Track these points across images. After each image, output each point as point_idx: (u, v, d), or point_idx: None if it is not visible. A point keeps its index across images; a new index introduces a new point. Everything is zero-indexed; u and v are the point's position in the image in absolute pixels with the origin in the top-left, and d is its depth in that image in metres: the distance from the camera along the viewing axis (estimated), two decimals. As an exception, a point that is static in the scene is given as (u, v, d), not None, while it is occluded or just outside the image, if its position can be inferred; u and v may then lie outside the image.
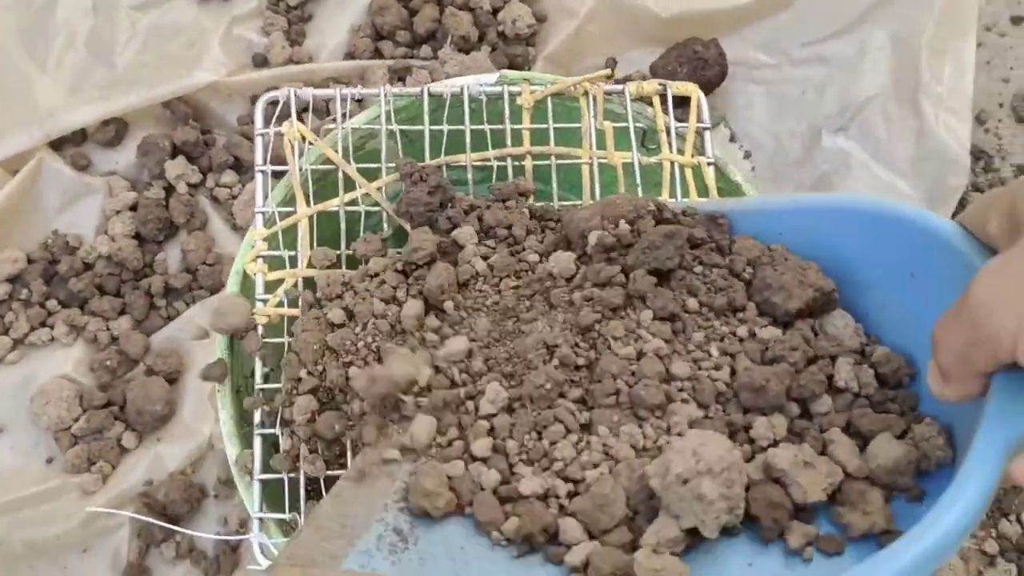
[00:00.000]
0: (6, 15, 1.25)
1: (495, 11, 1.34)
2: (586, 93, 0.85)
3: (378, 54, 1.30)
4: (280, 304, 0.73)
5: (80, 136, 1.24)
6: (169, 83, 1.23)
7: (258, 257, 0.76)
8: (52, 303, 1.16)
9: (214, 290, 1.17)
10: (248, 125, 1.25)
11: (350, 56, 1.30)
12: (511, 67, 1.28)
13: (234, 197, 1.22)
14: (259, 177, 0.79)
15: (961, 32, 1.26)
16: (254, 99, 1.25)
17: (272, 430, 0.70)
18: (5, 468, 1.10)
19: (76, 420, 1.10)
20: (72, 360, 1.13)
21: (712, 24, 1.33)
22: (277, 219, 0.77)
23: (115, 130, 1.23)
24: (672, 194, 0.82)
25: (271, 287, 0.75)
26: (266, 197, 0.79)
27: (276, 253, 0.76)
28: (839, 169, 1.26)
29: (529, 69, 1.29)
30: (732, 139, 1.32)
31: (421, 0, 1.31)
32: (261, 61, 1.28)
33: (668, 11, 1.30)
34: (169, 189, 1.21)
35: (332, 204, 0.78)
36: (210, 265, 1.18)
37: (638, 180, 0.81)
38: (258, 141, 0.80)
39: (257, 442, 0.71)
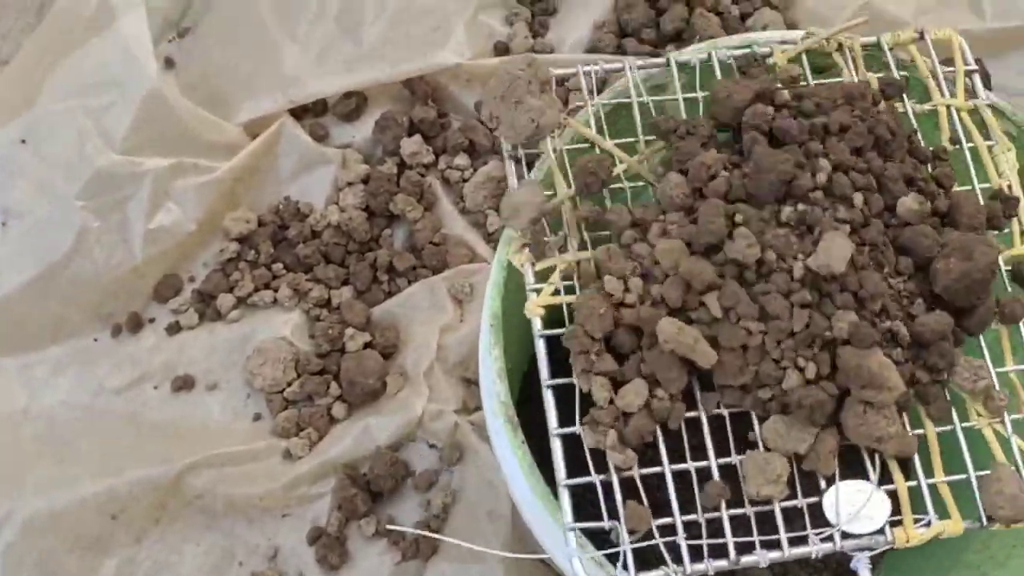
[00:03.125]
0: (264, -17, 1.27)
1: (743, 17, 1.29)
2: (840, 47, 0.79)
3: (620, 51, 1.26)
4: (556, 293, 0.68)
5: (321, 107, 1.24)
6: (412, 61, 1.22)
7: (524, 246, 0.70)
8: (278, 266, 1.16)
9: (437, 270, 1.15)
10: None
11: (593, 51, 1.27)
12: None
13: (465, 180, 1.19)
14: (510, 163, 0.74)
15: None
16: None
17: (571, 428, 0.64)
18: (214, 423, 1.09)
19: (290, 384, 1.09)
20: (292, 324, 1.12)
21: (975, 47, 1.24)
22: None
23: (355, 103, 1.23)
24: (956, 140, 0.75)
25: (542, 276, 0.69)
26: (520, 179, 0.74)
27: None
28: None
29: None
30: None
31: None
32: (503, 49, 1.27)
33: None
34: (402, 166, 1.20)
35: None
36: (436, 245, 1.16)
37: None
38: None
39: (556, 444, 0.64)
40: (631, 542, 0.59)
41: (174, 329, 1.14)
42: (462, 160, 1.19)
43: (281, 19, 1.26)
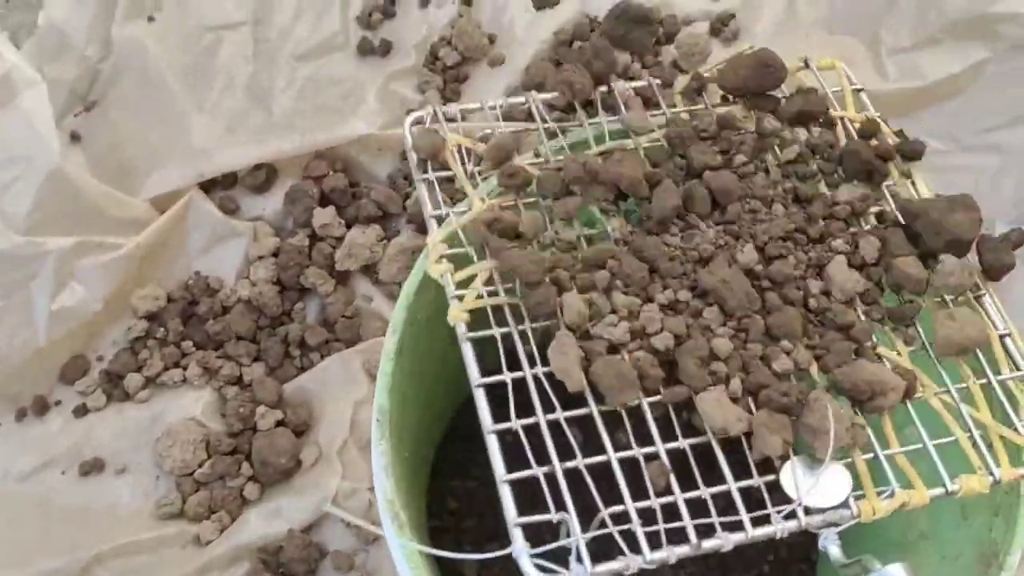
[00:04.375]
0: (171, 54, 1.26)
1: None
2: None
3: (530, 117, 1.27)
4: (479, 297, 0.68)
5: (230, 179, 1.23)
6: (323, 132, 1.22)
7: (442, 257, 0.70)
8: (187, 344, 1.14)
9: (351, 343, 1.14)
10: (399, 180, 1.23)
11: (506, 118, 1.27)
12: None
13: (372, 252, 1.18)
14: (422, 186, 0.76)
15: None
16: (404, 155, 1.23)
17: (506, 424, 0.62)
18: (123, 508, 1.07)
19: (200, 465, 1.07)
20: (202, 403, 1.10)
21: (881, 107, 1.27)
22: (453, 220, 0.73)
23: (265, 175, 1.22)
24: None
25: (463, 285, 0.69)
26: (436, 205, 0.75)
27: (459, 250, 0.71)
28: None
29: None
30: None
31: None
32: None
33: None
34: (313, 238, 1.19)
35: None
36: (349, 318, 1.15)
37: None
38: (412, 156, 0.78)
39: (492, 440, 0.62)
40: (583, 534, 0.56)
41: (81, 411, 1.12)
42: (374, 232, 1.18)
43: (189, 89, 1.25)
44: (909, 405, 0.65)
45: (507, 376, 0.64)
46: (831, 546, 0.61)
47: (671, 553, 0.56)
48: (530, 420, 0.62)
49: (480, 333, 0.66)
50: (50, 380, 1.13)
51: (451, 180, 0.78)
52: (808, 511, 0.59)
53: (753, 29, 1.29)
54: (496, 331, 0.66)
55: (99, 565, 1.00)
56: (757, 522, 0.58)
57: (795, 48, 1.24)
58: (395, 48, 1.30)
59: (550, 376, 0.63)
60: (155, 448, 1.08)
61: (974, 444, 0.64)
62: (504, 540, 0.92)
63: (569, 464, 0.60)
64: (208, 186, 1.22)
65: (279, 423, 1.08)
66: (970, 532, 0.75)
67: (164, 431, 1.08)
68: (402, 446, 0.71)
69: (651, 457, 0.61)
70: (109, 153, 1.23)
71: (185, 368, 1.13)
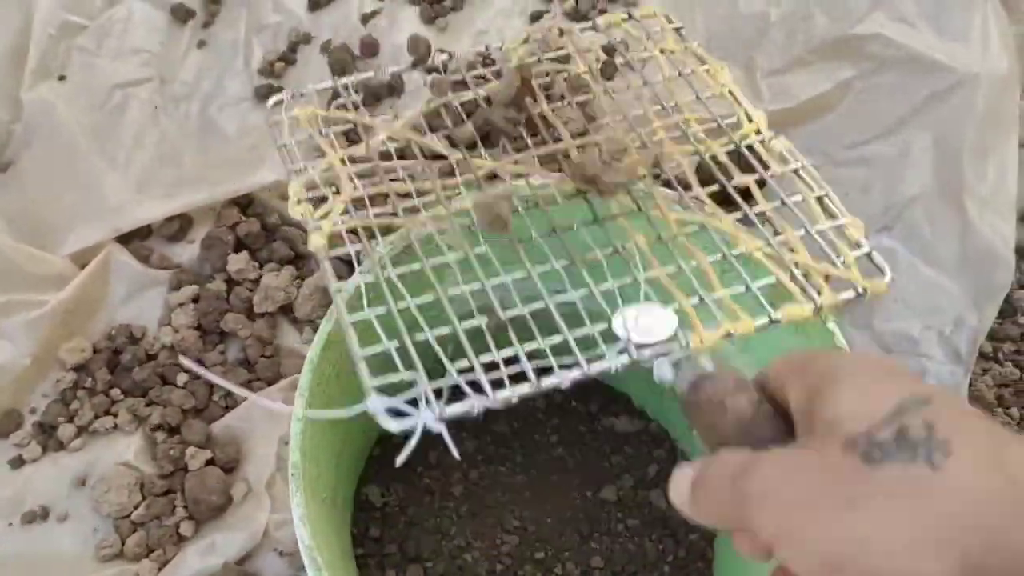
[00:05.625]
0: (81, 115, 1.31)
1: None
2: (561, 33, 0.94)
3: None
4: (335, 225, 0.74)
5: (146, 230, 1.28)
6: (232, 182, 1.28)
7: (300, 201, 0.76)
8: (116, 392, 1.19)
9: (271, 381, 1.20)
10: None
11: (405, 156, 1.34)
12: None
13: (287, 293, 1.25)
14: (281, 151, 0.84)
15: (1004, 134, 1.29)
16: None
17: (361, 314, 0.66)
18: (65, 554, 1.12)
19: (136, 507, 1.12)
20: (134, 448, 1.16)
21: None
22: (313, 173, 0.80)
23: (179, 224, 1.28)
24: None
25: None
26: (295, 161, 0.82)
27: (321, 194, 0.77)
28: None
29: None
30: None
31: (474, 104, 1.35)
32: (320, 159, 1.33)
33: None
34: (230, 282, 1.25)
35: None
36: (268, 357, 1.21)
37: None
38: (273, 131, 0.86)
39: (351, 331, 0.65)
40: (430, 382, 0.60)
41: (17, 463, 1.17)
42: (287, 273, 1.25)
43: (100, 147, 1.30)
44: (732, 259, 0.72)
45: (360, 279, 0.71)
46: (665, 370, 0.63)
47: (513, 392, 0.60)
48: (381, 309, 0.67)
49: (338, 251, 0.72)
50: (-16, 436, 1.18)
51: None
52: (639, 347, 0.63)
53: (633, 58, 1.38)
54: (350, 248, 0.72)
55: (46, 612, 1.06)
56: (592, 360, 0.62)
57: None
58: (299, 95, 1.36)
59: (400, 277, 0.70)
60: (91, 495, 1.13)
61: (794, 279, 0.69)
62: (425, 562, 1.00)
63: (419, 336, 0.64)
64: (125, 238, 1.27)
65: (208, 462, 1.14)
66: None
67: (98, 478, 1.13)
68: (320, 489, 0.78)
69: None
70: (24, 214, 1.28)
71: (115, 415, 1.18)
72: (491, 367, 0.62)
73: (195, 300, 1.24)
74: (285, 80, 1.38)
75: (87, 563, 1.11)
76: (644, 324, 0.64)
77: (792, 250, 0.72)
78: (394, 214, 0.75)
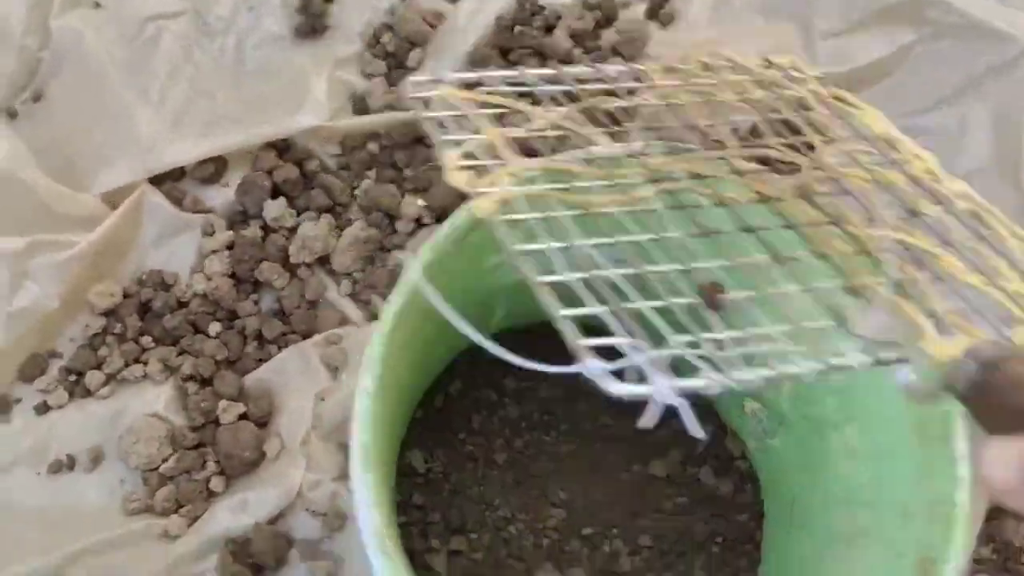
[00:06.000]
0: (112, 47, 1.25)
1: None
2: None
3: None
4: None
5: (179, 172, 1.23)
6: (270, 124, 1.23)
7: (459, 168, 0.68)
8: (146, 339, 1.16)
9: (307, 335, 1.16)
10: (342, 170, 1.25)
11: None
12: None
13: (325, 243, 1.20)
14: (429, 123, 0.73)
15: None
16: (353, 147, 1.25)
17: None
18: (90, 506, 1.09)
19: (165, 460, 1.09)
20: (164, 398, 1.12)
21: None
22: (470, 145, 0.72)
23: (214, 167, 1.23)
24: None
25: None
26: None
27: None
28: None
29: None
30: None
31: (520, 51, 1.30)
32: (360, 106, 1.28)
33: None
34: (266, 229, 1.21)
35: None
36: (304, 309, 1.17)
37: None
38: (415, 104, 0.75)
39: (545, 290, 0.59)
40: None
41: (42, 409, 1.13)
42: (326, 221, 1.20)
43: (132, 81, 1.24)
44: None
45: (545, 245, 0.62)
46: (904, 376, 0.59)
47: (756, 375, 0.55)
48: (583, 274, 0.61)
49: (511, 216, 0.65)
50: (9, 380, 1.14)
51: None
52: (880, 347, 0.59)
53: (687, 13, 1.32)
54: (528, 215, 0.65)
55: (72, 565, 1.02)
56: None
57: (729, 33, 1.28)
58: (339, 35, 1.31)
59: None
60: (119, 445, 1.10)
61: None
62: (469, 533, 0.97)
63: (630, 305, 0.58)
64: (158, 179, 1.22)
65: (241, 416, 1.11)
66: (912, 534, 0.77)
67: (127, 428, 1.10)
68: (380, 465, 0.73)
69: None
70: (53, 146, 1.23)
71: (145, 364, 1.14)
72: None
73: (229, 247, 1.19)
74: (325, 19, 1.32)
75: (113, 516, 1.08)
76: (884, 325, 0.60)
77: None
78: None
